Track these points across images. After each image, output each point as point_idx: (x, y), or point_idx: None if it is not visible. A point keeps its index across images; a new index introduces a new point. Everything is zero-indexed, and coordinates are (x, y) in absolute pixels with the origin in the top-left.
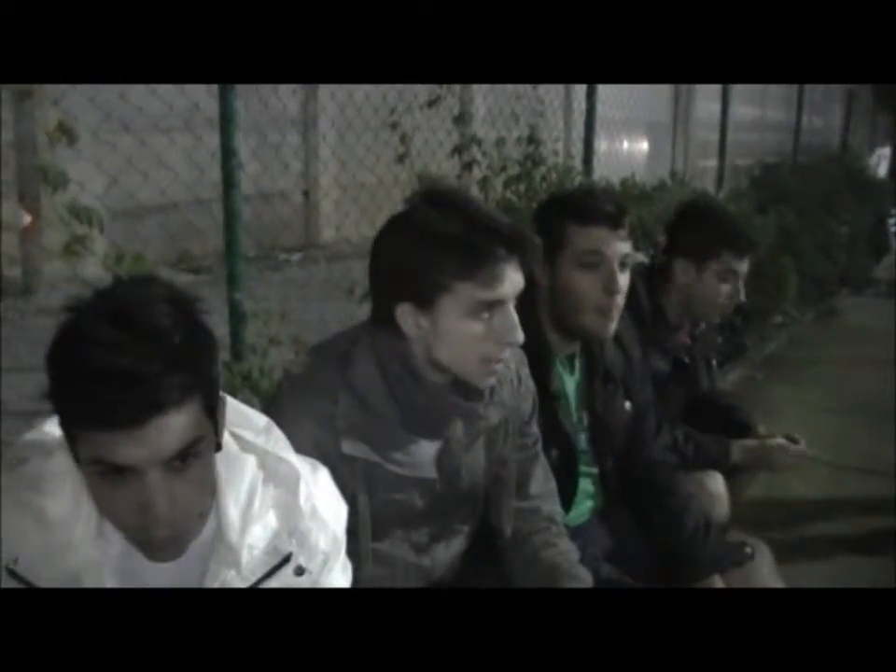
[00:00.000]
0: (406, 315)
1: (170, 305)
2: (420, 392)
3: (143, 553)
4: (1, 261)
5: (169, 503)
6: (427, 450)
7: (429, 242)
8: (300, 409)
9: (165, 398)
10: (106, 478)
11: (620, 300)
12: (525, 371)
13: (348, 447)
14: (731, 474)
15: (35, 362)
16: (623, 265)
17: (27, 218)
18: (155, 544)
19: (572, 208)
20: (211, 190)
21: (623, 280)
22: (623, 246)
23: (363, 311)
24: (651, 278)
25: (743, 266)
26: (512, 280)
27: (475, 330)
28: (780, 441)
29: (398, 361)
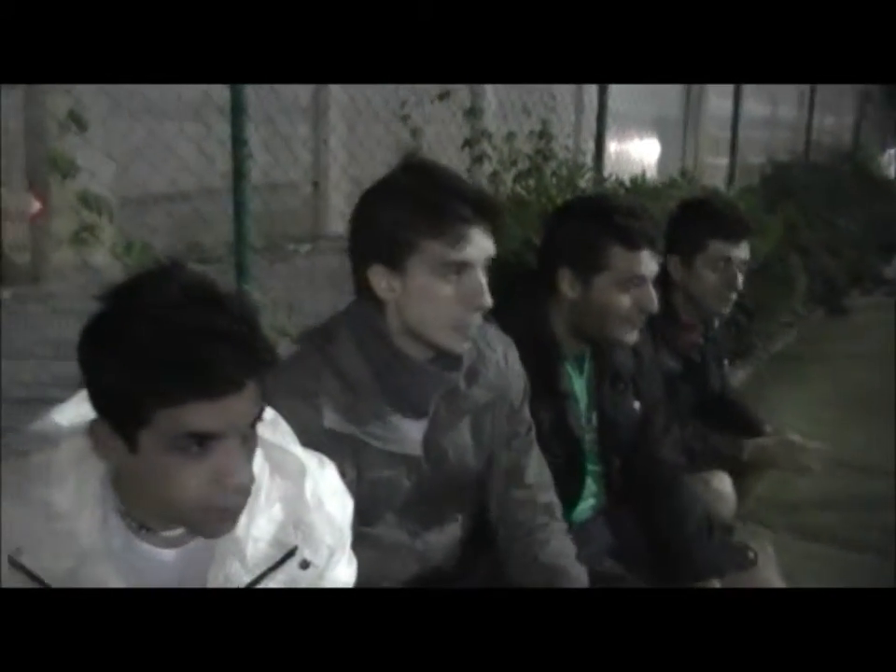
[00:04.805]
0: (378, 277)
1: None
2: (398, 365)
3: (201, 533)
4: (4, 248)
5: (247, 469)
6: (412, 428)
7: (398, 202)
8: (284, 388)
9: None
10: (186, 453)
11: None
12: (514, 355)
13: (330, 422)
14: (738, 474)
15: (41, 350)
16: (654, 279)
17: (36, 205)
18: (221, 516)
19: (618, 231)
20: (220, 180)
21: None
22: (657, 264)
23: None
24: (663, 277)
25: (738, 252)
26: (480, 244)
27: (443, 292)
28: (797, 439)
29: (376, 335)
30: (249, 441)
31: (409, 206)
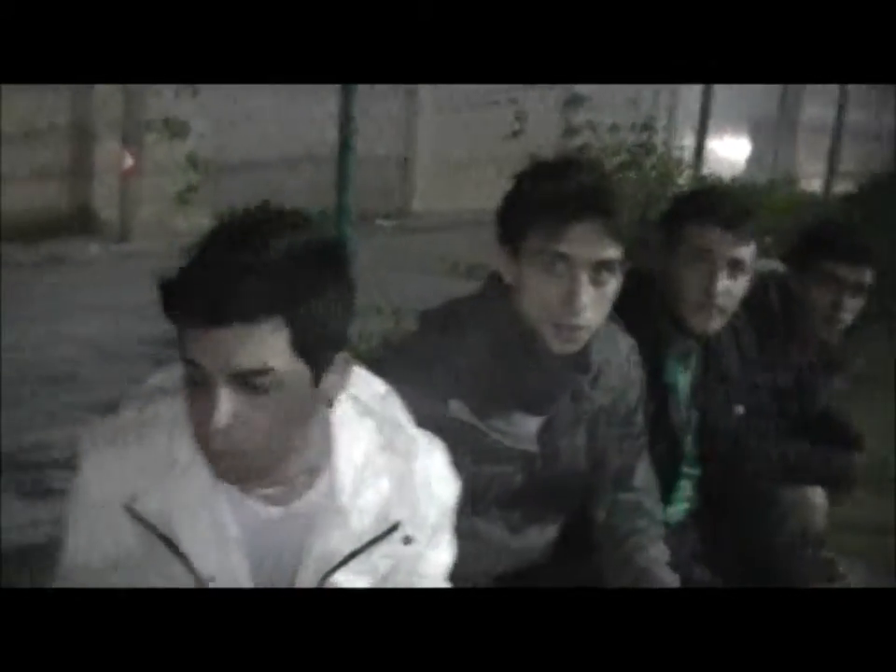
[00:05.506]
0: (502, 259)
1: (294, 242)
2: (528, 361)
3: (224, 479)
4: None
5: (231, 421)
6: (530, 424)
7: (524, 188)
8: (411, 370)
9: (241, 308)
10: (191, 390)
11: (723, 301)
12: (636, 357)
13: (455, 410)
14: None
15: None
16: (735, 268)
17: (129, 161)
18: (216, 462)
19: (692, 206)
20: (321, 150)
21: (732, 284)
22: (737, 251)
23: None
24: (785, 288)
25: (853, 275)
26: (582, 241)
27: (541, 284)
28: None
29: (508, 326)
30: (257, 398)
31: (526, 194)
